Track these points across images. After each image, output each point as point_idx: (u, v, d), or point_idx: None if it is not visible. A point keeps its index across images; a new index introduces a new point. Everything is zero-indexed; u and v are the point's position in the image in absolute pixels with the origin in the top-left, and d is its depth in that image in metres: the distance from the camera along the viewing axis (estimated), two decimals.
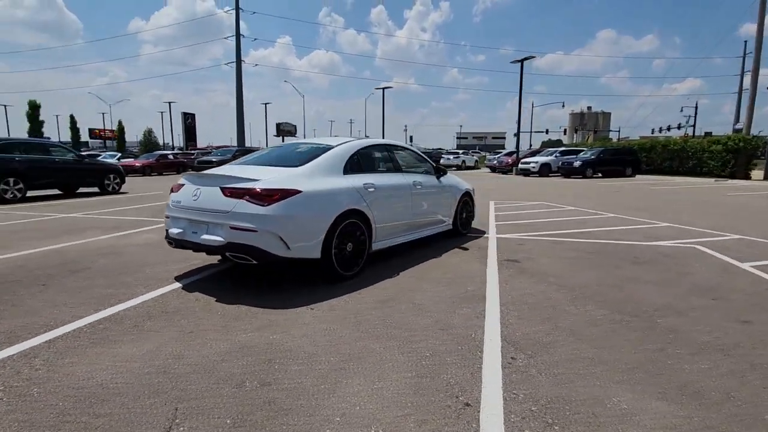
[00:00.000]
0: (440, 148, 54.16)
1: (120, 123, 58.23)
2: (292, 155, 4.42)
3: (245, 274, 4.32)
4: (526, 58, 25.47)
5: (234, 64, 49.03)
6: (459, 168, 32.80)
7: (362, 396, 2.16)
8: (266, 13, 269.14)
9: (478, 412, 2.03)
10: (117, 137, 58.21)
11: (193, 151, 34.69)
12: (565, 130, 72.29)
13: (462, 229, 6.35)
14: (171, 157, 27.58)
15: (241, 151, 26.24)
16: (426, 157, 5.97)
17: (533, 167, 23.60)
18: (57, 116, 69.12)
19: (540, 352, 2.65)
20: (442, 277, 4.28)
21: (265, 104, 55.11)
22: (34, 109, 40.87)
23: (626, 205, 10.35)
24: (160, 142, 61.05)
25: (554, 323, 3.10)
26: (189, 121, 52.70)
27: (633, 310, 3.36)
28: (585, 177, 21.62)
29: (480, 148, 73.31)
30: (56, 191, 12.57)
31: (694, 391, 2.21)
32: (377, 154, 5.05)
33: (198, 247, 3.81)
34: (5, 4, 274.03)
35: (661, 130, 59.99)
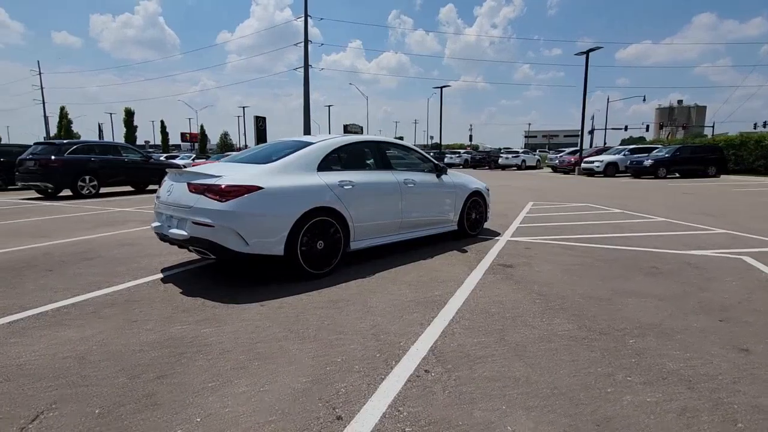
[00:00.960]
0: (507, 148, 52.13)
1: (202, 127, 63.67)
2: (271, 153, 4.44)
3: (230, 269, 4.42)
4: (591, 50, 23.59)
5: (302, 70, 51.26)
6: (519, 168, 31.33)
7: (241, 398, 2.08)
8: (333, 19, 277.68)
9: (344, 427, 1.86)
10: (199, 140, 63.59)
11: None
12: (648, 126, 65.94)
13: (471, 230, 6.00)
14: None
15: None
16: (425, 155, 5.72)
17: (597, 167, 21.81)
18: (153, 122, 77.30)
19: (462, 366, 2.38)
20: (416, 279, 4.06)
21: (329, 107, 56.89)
22: (129, 116, 46.14)
23: (691, 209, 9.16)
24: (235, 144, 65.52)
25: (501, 336, 2.78)
26: (260, 124, 55.70)
27: (606, 328, 2.92)
28: (657, 177, 19.55)
29: (550, 147, 69.46)
30: (129, 188, 13.96)
31: (612, 430, 1.85)
32: (363, 152, 4.93)
33: (171, 241, 3.97)
34: (118, 25, 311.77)
35: (765, 125, 52.50)
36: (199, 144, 62.92)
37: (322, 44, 77.70)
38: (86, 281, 4.01)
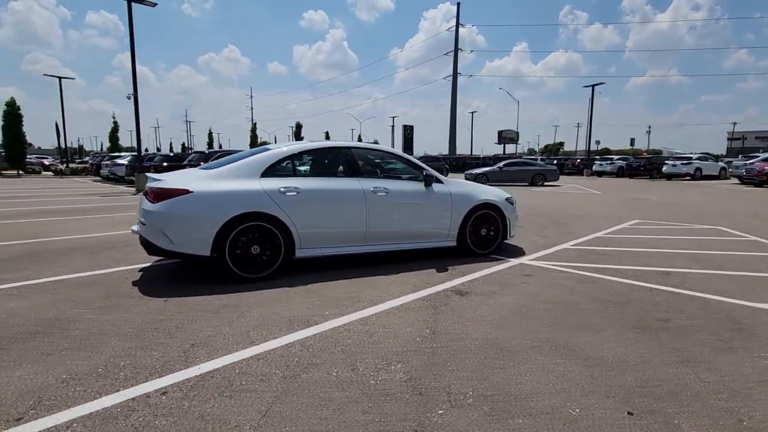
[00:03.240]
0: (706, 153, 42.56)
1: (359, 137, 69.77)
2: (233, 159, 4.61)
3: (205, 268, 4.72)
4: None
5: (453, 79, 52.02)
6: (692, 177, 25.33)
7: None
8: (488, 24, 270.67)
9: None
10: None
11: None
12: None
13: (478, 248, 5.18)
14: None
15: (427, 158, 27.68)
16: (414, 162, 5.13)
17: None
18: (326, 132, 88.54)
19: (177, 410, 2.11)
20: (334, 297, 3.70)
21: (472, 113, 55.92)
22: (298, 128, 53.81)
23: None
24: None
25: (292, 380, 2.35)
26: (408, 133, 58.74)
27: (445, 393, 2.19)
28: None
29: (765, 150, 54.08)
30: None
31: None
32: (325, 158, 4.72)
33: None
34: (312, 52, 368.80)
35: None
36: None
37: (472, 51, 78.13)
38: (81, 265, 4.81)
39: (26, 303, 3.49)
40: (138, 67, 16.62)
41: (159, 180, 4.09)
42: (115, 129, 36.10)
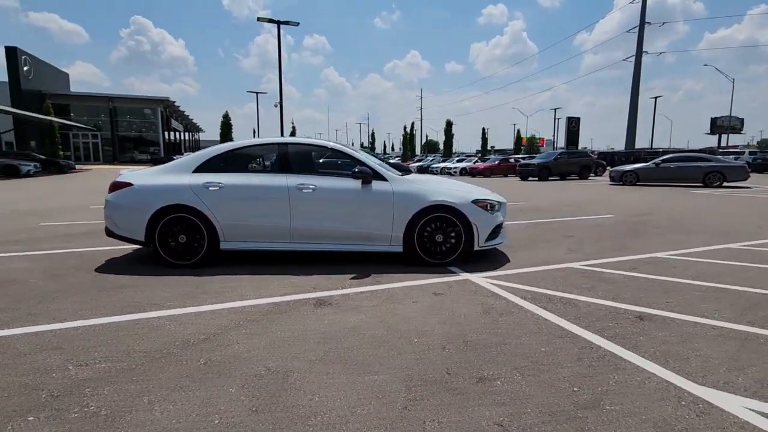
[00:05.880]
0: None
1: (518, 133, 65.57)
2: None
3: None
4: None
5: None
6: None
7: None
8: None
9: None
10: (515, 143, 65.93)
11: (527, 156, 34.63)
12: None
13: (430, 256, 4.46)
14: (512, 160, 29.21)
15: (567, 153, 24.41)
16: (356, 157, 4.60)
17: None
18: (484, 128, 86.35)
19: None
20: (202, 289, 3.73)
21: (655, 98, 46.33)
22: (449, 126, 54.15)
23: None
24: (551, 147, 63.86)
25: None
26: (572, 125, 52.68)
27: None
28: None
29: None
30: None
31: None
32: (259, 154, 4.68)
33: None
34: (489, 48, 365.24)
35: None
36: (514, 146, 64.98)
37: (663, 23, 62.82)
38: (76, 243, 5.94)
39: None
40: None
41: (120, 175, 4.79)
42: (292, 134, 42.76)
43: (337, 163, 5.20)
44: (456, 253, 4.49)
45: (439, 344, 2.64)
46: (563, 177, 22.66)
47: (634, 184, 17.34)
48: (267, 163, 4.81)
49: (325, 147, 5.02)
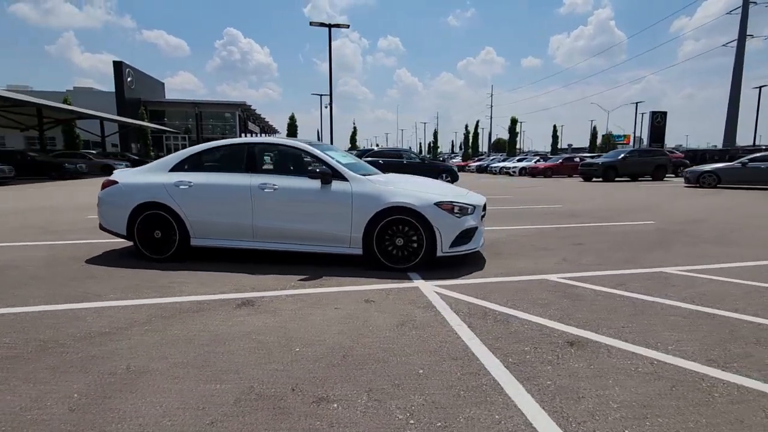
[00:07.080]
0: None
1: (593, 128, 60.78)
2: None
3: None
4: None
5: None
6: None
7: None
8: None
9: None
10: (591, 140, 61.23)
11: (591, 154, 31.74)
12: None
13: (390, 261, 4.24)
14: (577, 159, 27.16)
15: (638, 151, 22.07)
16: (320, 157, 4.46)
17: None
18: (560, 126, 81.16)
19: None
20: (148, 284, 3.88)
21: (759, 88, 40.14)
22: (514, 123, 51.60)
23: None
24: (630, 144, 58.40)
25: None
26: (657, 120, 47.68)
27: None
28: None
29: None
30: None
31: None
32: (231, 154, 4.76)
33: None
34: (571, 40, 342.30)
35: None
36: (589, 143, 60.35)
37: None
38: (76, 234, 6.45)
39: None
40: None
41: (112, 173, 5.17)
42: (354, 132, 43.64)
43: (309, 162, 5.14)
44: (417, 258, 4.22)
45: (318, 356, 2.47)
46: (634, 178, 20.53)
47: (715, 187, 15.19)
48: (238, 163, 4.89)
49: (292, 146, 4.98)
